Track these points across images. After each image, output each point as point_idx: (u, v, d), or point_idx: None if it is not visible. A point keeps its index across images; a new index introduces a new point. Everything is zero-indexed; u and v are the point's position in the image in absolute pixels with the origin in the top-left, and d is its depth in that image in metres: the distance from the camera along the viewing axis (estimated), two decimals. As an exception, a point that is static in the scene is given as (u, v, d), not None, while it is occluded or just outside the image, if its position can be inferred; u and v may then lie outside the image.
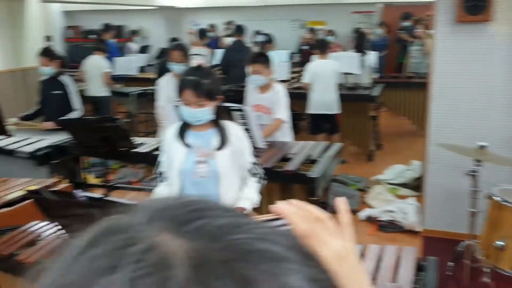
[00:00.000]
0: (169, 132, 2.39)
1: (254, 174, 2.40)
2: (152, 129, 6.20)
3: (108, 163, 4.73)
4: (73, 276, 0.38)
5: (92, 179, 4.89)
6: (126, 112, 7.12)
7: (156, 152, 3.29)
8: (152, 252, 0.37)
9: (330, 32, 10.00)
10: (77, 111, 4.50)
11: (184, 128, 2.31)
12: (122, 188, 4.58)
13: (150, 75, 7.73)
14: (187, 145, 2.29)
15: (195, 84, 2.16)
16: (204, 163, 2.28)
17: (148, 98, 5.80)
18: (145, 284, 0.35)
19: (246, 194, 2.35)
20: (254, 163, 2.42)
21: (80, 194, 1.62)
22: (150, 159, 3.37)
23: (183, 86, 2.20)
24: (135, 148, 3.68)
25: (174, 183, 2.32)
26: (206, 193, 2.26)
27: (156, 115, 4.26)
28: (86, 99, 6.67)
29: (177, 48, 4.04)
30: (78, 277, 0.37)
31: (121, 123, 3.85)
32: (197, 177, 2.29)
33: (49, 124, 4.38)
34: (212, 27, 10.51)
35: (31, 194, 1.77)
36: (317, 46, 5.95)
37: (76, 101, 4.52)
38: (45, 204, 1.79)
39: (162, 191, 2.37)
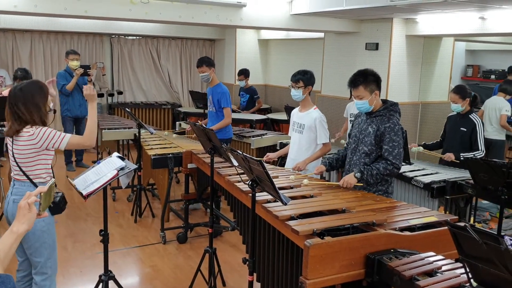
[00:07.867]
0: None
1: None
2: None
3: (493, 210, 4.41)
4: None
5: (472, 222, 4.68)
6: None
7: None
8: None
9: None
10: (479, 151, 4.34)
11: None
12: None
13: None
14: None
15: None
16: None
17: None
18: None
19: None
20: None
21: (510, 242, 1.52)
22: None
23: None
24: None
25: None
26: None
27: None
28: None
29: None
30: None
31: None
32: None
33: (451, 156, 4.34)
34: None
35: (451, 227, 1.78)
36: None
37: (480, 141, 4.37)
38: (461, 239, 1.76)
39: None
